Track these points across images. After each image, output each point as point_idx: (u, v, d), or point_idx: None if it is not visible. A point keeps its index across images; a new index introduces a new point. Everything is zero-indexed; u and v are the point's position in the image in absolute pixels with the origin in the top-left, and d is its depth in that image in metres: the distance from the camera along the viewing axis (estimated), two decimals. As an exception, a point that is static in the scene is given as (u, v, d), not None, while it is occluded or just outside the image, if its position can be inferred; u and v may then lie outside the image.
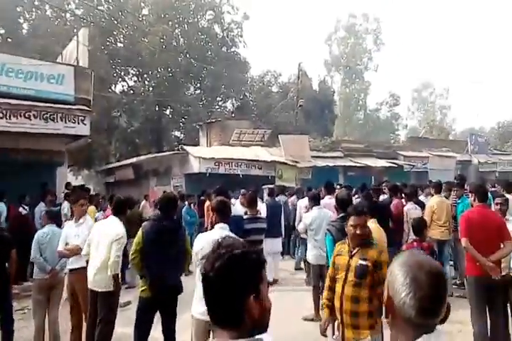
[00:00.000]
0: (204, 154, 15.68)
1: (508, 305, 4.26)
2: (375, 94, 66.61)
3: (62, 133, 9.64)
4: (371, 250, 2.97)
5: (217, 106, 29.80)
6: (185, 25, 26.51)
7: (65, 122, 9.59)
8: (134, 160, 18.16)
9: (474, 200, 4.31)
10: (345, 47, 43.55)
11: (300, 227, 5.75)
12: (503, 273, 4.07)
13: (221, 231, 3.16)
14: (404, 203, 7.17)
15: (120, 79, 26.90)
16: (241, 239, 1.33)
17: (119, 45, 26.48)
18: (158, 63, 24.30)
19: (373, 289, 2.90)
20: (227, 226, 3.30)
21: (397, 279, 1.17)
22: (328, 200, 6.29)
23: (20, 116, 8.94)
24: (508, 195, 4.81)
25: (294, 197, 10.03)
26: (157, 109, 26.37)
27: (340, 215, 3.65)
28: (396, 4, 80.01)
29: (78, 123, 9.81)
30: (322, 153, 19.86)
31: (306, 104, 28.74)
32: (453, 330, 4.60)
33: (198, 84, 28.76)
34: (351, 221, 3.05)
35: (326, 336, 3.23)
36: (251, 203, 4.98)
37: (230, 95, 28.81)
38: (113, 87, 27.15)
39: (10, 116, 8.82)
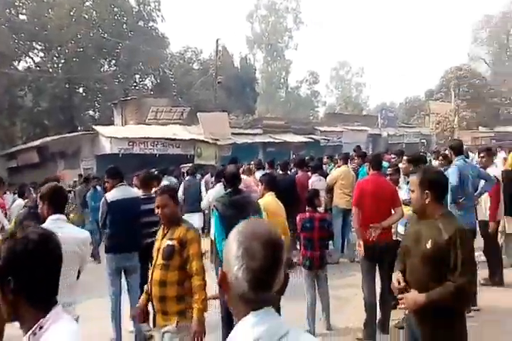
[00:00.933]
0: (116, 134, 15.09)
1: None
2: (295, 72, 68.30)
3: None
4: (178, 229, 2.82)
5: (135, 84, 28.59)
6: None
7: None
8: (38, 142, 16.87)
9: (369, 169, 4.57)
10: (267, 25, 43.66)
11: (203, 204, 5.79)
12: (394, 238, 4.36)
13: (54, 223, 2.61)
14: (310, 176, 7.52)
15: (24, 55, 24.58)
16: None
17: (21, 17, 24.11)
18: (67, 38, 22.61)
19: (183, 271, 2.76)
20: (64, 216, 2.78)
21: (231, 252, 1.07)
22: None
23: None
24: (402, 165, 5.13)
25: (208, 175, 10.13)
26: (68, 86, 24.65)
27: (228, 190, 3.60)
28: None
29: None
30: (242, 130, 20.08)
31: (228, 82, 28.67)
32: (349, 294, 5.01)
33: (113, 61, 27.27)
34: (156, 201, 2.93)
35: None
36: (143, 184, 4.92)
37: (148, 72, 27.75)
38: (16, 64, 24.84)
39: None
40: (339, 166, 7.42)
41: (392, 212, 4.19)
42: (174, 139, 16.36)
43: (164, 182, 8.14)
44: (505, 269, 5.73)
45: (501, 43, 41.48)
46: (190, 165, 11.59)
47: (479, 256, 5.40)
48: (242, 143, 18.29)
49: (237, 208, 3.36)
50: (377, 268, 4.24)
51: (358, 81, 51.69)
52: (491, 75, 41.65)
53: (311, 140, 21.42)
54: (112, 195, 4.31)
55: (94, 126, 15.93)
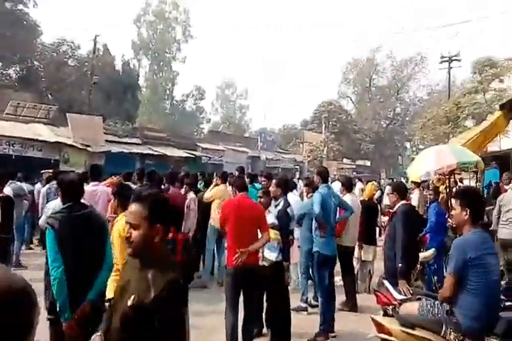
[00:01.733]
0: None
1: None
2: (182, 85, 67.23)
3: None
4: None
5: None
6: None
7: None
8: None
9: (235, 191, 4.41)
10: (155, 33, 42.22)
11: (41, 221, 4.82)
12: (261, 263, 4.21)
13: None
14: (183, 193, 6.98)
15: None
16: None
17: None
18: None
19: None
20: None
21: None
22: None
23: None
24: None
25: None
26: None
27: (68, 204, 2.94)
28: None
29: None
30: (119, 138, 18.52)
31: (107, 85, 26.53)
32: (216, 322, 4.51)
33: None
34: None
35: None
36: None
37: (13, 60, 24.08)
38: None
39: None
40: (217, 184, 7.09)
41: (259, 235, 4.06)
42: (36, 140, 14.15)
43: (7, 188, 6.66)
44: (359, 294, 6.07)
45: (364, 85, 47.14)
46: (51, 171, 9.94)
47: (339, 280, 5.98)
48: (117, 152, 16.77)
49: (78, 227, 2.83)
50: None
51: (242, 103, 53.25)
52: (356, 113, 46.97)
53: (192, 156, 20.83)
54: None
55: None
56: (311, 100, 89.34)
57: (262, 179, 7.94)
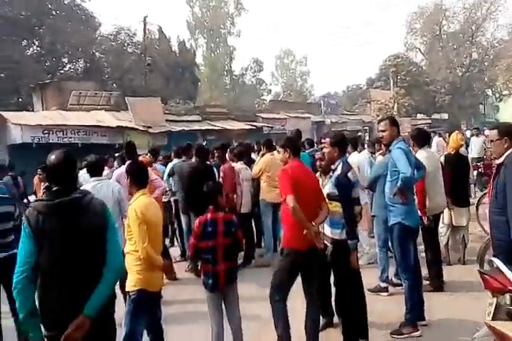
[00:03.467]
0: (28, 121, 13.26)
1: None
2: (240, 59, 66.52)
3: None
4: None
5: (65, 69, 26.11)
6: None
7: None
8: None
9: (288, 156, 3.55)
10: (208, 10, 41.88)
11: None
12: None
13: None
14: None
15: None
16: None
17: None
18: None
19: None
20: None
21: None
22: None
23: None
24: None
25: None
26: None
27: (53, 189, 2.28)
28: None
29: None
30: (178, 117, 18.75)
31: (166, 67, 27.01)
32: None
33: (36, 42, 24.57)
34: None
35: None
36: None
37: (77, 55, 25.34)
38: None
39: None
40: (263, 154, 6.27)
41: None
42: (99, 126, 14.76)
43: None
44: (452, 266, 5.16)
45: (434, 34, 42.74)
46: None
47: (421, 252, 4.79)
48: (178, 130, 17.00)
49: (62, 220, 2.16)
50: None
51: (303, 70, 51.46)
52: (427, 64, 42.99)
53: (253, 127, 20.52)
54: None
55: (0, 112, 13.88)
56: (375, 57, 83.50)
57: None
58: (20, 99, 23.67)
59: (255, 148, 8.62)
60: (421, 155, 4.59)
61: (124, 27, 26.85)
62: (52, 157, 2.27)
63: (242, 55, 69.57)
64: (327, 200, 3.45)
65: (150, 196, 3.27)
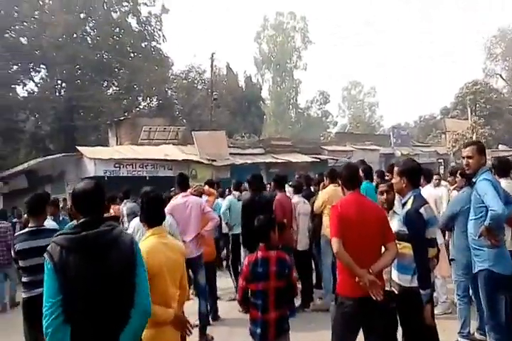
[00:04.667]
0: (101, 155, 14.02)
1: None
2: (305, 92, 66.96)
3: None
4: None
5: (140, 106, 28.01)
6: (97, 17, 24.42)
7: None
8: (25, 165, 15.91)
9: (343, 189, 3.12)
10: (275, 46, 43.33)
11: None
12: (386, 288, 3.00)
13: None
14: (291, 197, 6.18)
15: (22, 78, 24.19)
16: None
17: (22, 40, 23.89)
18: (64, 58, 22.08)
19: None
20: None
21: None
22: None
23: None
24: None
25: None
26: (68, 108, 24.05)
27: (80, 221, 2.05)
28: (322, 3, 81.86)
29: None
30: (242, 150, 18.90)
31: (233, 102, 27.87)
32: None
33: (115, 82, 26.75)
34: None
35: None
36: (32, 210, 3.53)
37: (151, 93, 27.09)
38: (19, 87, 24.52)
39: None
40: (325, 186, 5.80)
41: (383, 249, 2.91)
42: (166, 160, 15.22)
43: (123, 206, 6.93)
44: None
45: (517, 58, 40.08)
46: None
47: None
48: (241, 163, 17.05)
49: (87, 255, 1.94)
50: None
51: (371, 101, 50.54)
52: (509, 91, 40.09)
53: (316, 160, 20.05)
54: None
55: (77, 147, 14.88)
56: (450, 85, 79.95)
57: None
58: (99, 136, 25.57)
59: (316, 179, 8.21)
60: (503, 185, 3.85)
61: (194, 65, 28.51)
62: (80, 184, 2.12)
63: (308, 88, 70.75)
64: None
65: (163, 237, 2.65)
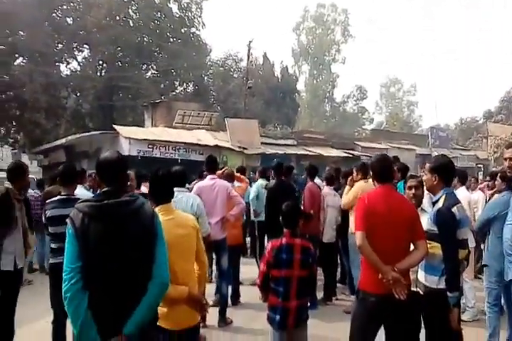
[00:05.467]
0: (136, 135, 14.19)
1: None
2: (342, 86, 65.94)
3: None
4: None
5: (177, 91, 28.26)
6: (139, 1, 24.68)
7: None
8: (63, 140, 16.39)
9: (373, 180, 2.94)
10: (313, 38, 42.56)
11: None
12: (412, 289, 2.83)
13: None
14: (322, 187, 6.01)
15: (66, 56, 24.82)
16: None
17: (68, 20, 24.46)
18: (106, 39, 22.46)
19: None
20: None
21: None
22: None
23: None
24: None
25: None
26: (108, 88, 24.55)
27: (102, 190, 2.11)
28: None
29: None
30: (273, 140, 18.71)
31: (267, 92, 27.63)
32: None
33: (153, 65, 27.06)
34: None
35: None
36: (65, 180, 3.63)
37: (188, 78, 27.26)
38: (63, 65, 25.19)
39: None
40: (353, 180, 5.44)
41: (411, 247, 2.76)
42: (198, 144, 15.24)
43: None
44: None
45: None
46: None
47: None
48: (272, 153, 16.88)
49: (108, 223, 1.95)
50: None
51: (410, 99, 49.02)
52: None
53: (350, 155, 19.62)
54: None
55: (114, 126, 15.13)
56: (496, 88, 76.43)
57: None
58: (136, 117, 25.98)
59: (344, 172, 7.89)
60: None
61: (231, 53, 28.46)
62: (104, 154, 2.15)
63: (345, 83, 69.50)
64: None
65: (170, 213, 2.59)
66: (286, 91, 28.29)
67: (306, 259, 2.95)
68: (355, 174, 5.47)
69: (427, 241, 2.76)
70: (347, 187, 5.47)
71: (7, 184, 3.78)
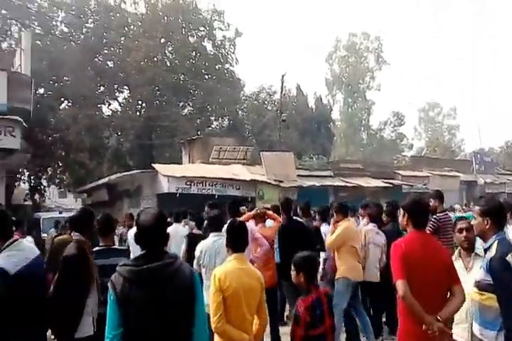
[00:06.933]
0: (174, 172, 14.40)
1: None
2: (378, 113, 65.15)
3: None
4: None
5: (212, 126, 28.90)
6: (175, 42, 25.87)
7: (-14, 133, 8.45)
8: (106, 179, 16.95)
9: (407, 224, 2.80)
10: (346, 66, 42.76)
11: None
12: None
13: None
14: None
15: (108, 97, 26.15)
16: None
17: (109, 63, 25.96)
18: (145, 80, 23.52)
19: None
20: None
21: None
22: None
23: None
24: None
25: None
26: (147, 127, 25.45)
27: (140, 253, 2.07)
28: (397, 22, 79.79)
29: (5, 134, 8.66)
30: (310, 172, 18.43)
31: (302, 123, 27.66)
32: None
33: (190, 102, 27.93)
34: None
35: None
36: (104, 230, 3.55)
37: (223, 113, 27.84)
38: (105, 106, 26.53)
39: None
40: (336, 222, 5.26)
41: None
42: (234, 179, 15.25)
43: (177, 226, 6.63)
44: None
45: None
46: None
47: None
48: (309, 185, 16.59)
49: (149, 288, 1.96)
50: None
51: (451, 123, 47.59)
52: None
53: (389, 185, 18.95)
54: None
55: (153, 164, 15.48)
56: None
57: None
58: (173, 154, 26.64)
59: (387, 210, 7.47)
60: None
61: (265, 86, 28.97)
62: (145, 217, 2.10)
63: (381, 109, 68.54)
64: (476, 290, 2.64)
65: (243, 263, 2.78)
66: (320, 122, 28.21)
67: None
68: (335, 216, 5.36)
69: (482, 292, 2.61)
70: (331, 228, 5.34)
71: (77, 235, 3.26)
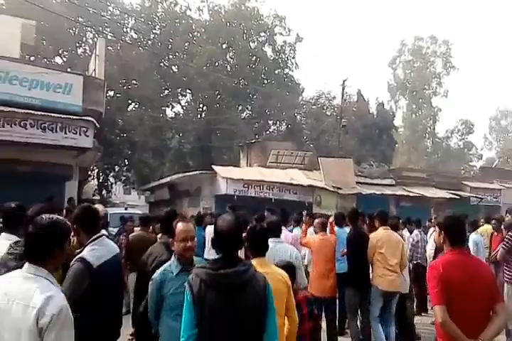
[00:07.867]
0: (232, 175, 14.55)
1: None
2: (445, 121, 61.75)
3: (61, 145, 9.04)
4: None
5: (270, 130, 29.00)
6: (237, 47, 26.31)
7: (65, 133, 9.00)
8: (168, 179, 17.57)
9: (444, 242, 2.66)
10: (411, 71, 40.94)
11: None
12: None
13: None
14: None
15: (171, 100, 27.14)
16: None
17: (173, 68, 26.95)
18: (207, 85, 24.13)
19: None
20: None
21: None
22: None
23: (15, 124, 8.49)
24: None
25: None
26: (207, 129, 26.09)
27: (217, 256, 2.12)
28: (468, 25, 75.40)
29: (80, 134, 9.18)
30: (370, 179, 17.79)
31: (363, 129, 26.90)
32: None
33: (249, 106, 28.23)
34: None
35: None
36: (165, 229, 3.45)
37: (281, 118, 27.81)
38: (168, 108, 27.58)
39: (3, 124, 8.38)
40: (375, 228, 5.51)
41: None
42: (291, 184, 15.08)
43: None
44: None
45: None
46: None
47: None
48: (368, 193, 16.00)
49: (225, 291, 2.03)
50: None
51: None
52: None
53: (456, 197, 17.80)
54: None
55: (212, 166, 15.74)
56: None
57: None
58: (232, 156, 27.04)
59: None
60: None
61: (324, 91, 28.57)
62: (223, 221, 2.19)
63: (448, 117, 64.90)
64: None
65: (266, 266, 2.76)
66: (382, 128, 27.23)
67: (311, 308, 3.26)
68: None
69: None
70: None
71: (163, 238, 3.10)
